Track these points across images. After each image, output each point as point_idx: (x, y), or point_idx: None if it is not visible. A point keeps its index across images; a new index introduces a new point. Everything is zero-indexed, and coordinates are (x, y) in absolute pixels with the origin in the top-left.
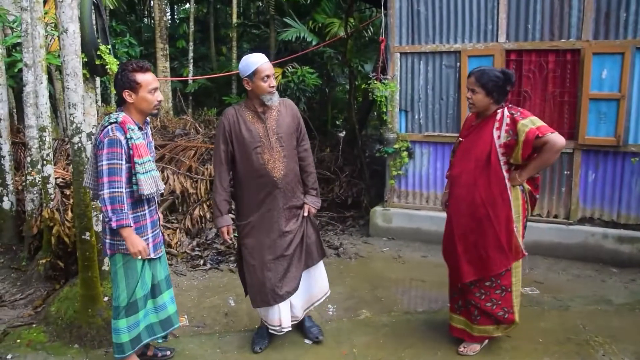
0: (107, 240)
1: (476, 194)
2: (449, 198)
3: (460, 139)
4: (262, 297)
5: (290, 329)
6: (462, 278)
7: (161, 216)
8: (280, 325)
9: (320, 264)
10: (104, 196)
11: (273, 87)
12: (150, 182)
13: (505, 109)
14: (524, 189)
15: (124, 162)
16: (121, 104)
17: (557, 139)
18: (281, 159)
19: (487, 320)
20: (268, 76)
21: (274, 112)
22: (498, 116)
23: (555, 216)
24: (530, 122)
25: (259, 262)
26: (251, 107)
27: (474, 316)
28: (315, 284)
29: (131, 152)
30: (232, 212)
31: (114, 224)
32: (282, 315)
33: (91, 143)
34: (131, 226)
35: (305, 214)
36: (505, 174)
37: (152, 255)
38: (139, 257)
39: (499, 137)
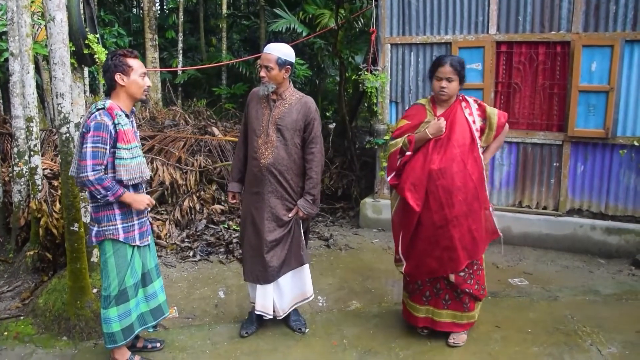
0: (95, 229)
1: (467, 177)
2: (428, 194)
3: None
4: (245, 270)
5: (271, 317)
6: (458, 267)
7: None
8: (261, 310)
9: (306, 267)
10: (89, 178)
11: (263, 77)
12: (135, 168)
13: (462, 94)
14: None
15: (108, 147)
16: (109, 92)
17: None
18: (272, 148)
19: (457, 305)
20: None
21: (285, 104)
22: (464, 103)
23: (544, 208)
24: (494, 108)
25: (246, 236)
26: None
27: (444, 301)
28: (303, 284)
29: (117, 137)
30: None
31: (111, 198)
32: (263, 300)
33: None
34: (126, 192)
35: (291, 215)
36: (482, 156)
37: (137, 243)
38: (148, 209)
39: (474, 121)
